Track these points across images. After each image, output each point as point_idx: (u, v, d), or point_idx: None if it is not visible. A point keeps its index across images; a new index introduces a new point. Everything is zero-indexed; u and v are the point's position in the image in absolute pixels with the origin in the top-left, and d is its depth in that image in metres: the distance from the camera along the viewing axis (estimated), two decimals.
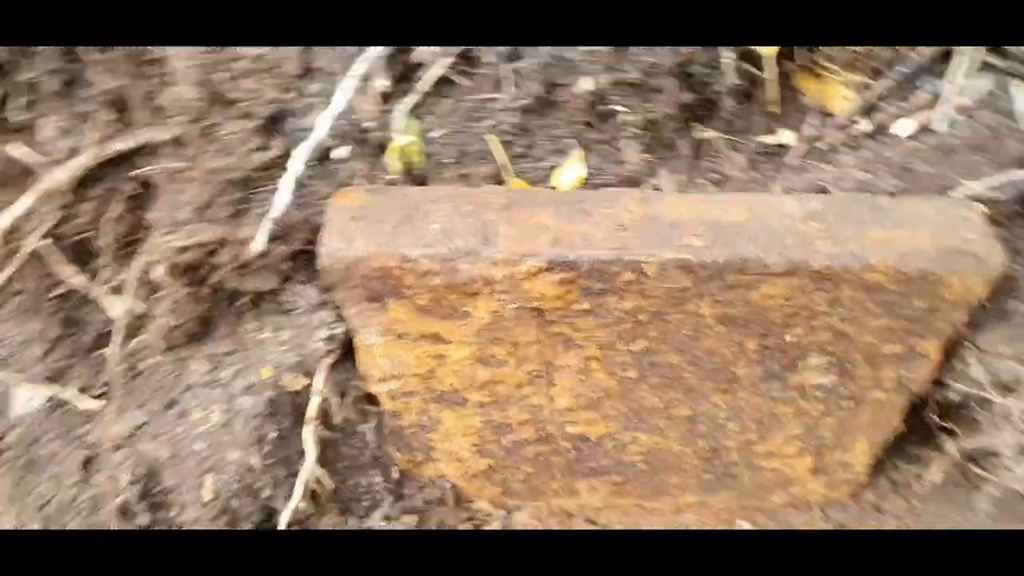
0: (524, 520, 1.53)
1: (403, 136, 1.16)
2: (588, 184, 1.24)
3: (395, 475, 1.48)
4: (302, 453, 1.28)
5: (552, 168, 1.25)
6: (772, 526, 1.52)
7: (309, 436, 1.25)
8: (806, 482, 1.46)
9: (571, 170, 1.24)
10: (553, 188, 1.25)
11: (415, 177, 1.24)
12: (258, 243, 1.14)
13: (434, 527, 1.48)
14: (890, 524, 1.49)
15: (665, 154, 1.28)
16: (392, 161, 1.20)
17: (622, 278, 1.09)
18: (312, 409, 1.27)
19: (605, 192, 1.16)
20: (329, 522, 1.38)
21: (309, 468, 1.24)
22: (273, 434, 1.28)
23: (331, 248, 1.07)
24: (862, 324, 1.15)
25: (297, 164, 1.12)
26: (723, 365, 1.23)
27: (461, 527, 1.50)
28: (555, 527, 1.52)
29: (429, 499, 1.50)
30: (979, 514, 1.42)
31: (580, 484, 1.50)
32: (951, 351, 1.21)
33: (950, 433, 1.38)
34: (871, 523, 1.50)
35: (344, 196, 1.13)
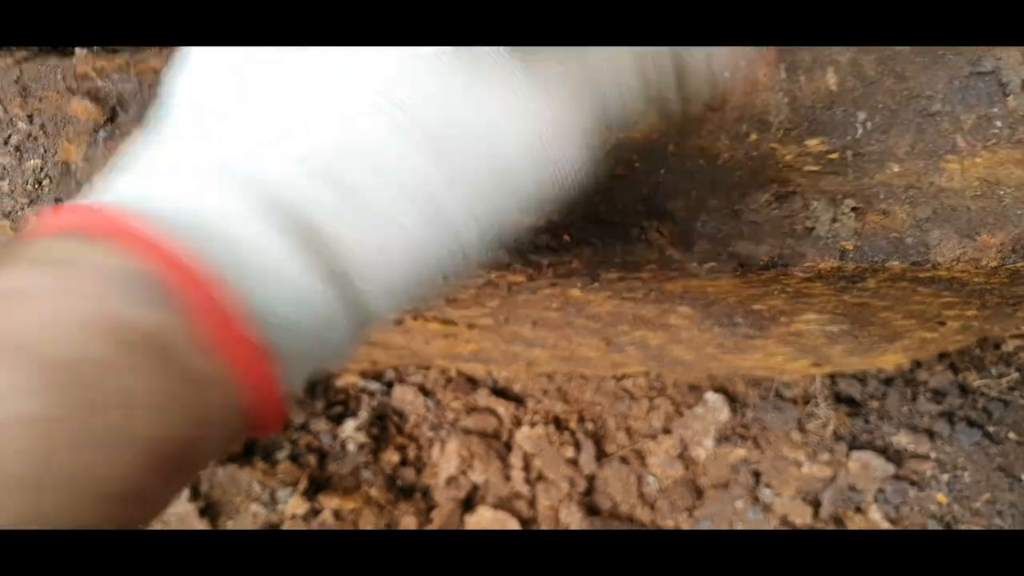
0: (408, 396, 1.12)
1: None
2: None
3: None
4: None
5: None
6: (755, 396, 1.08)
7: None
8: (805, 370, 0.98)
9: None
10: None
11: None
12: None
13: None
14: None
15: None
16: None
17: None
18: None
19: None
20: None
21: None
22: None
23: None
24: (901, 300, 0.57)
25: None
26: (634, 319, 0.68)
27: (319, 420, 1.11)
28: (455, 402, 1.12)
29: None
30: None
31: (474, 365, 1.06)
32: None
33: None
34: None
35: None
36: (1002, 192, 0.44)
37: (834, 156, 0.45)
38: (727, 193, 0.45)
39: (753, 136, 0.46)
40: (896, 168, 0.45)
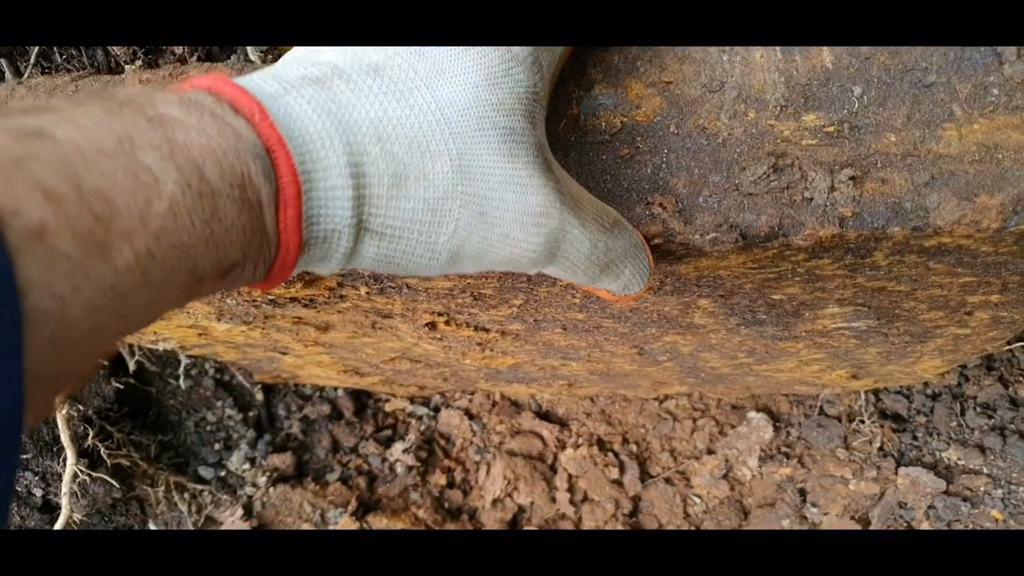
0: (454, 420, 1.14)
1: None
2: None
3: (259, 397, 1.09)
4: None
5: None
6: (798, 414, 1.07)
7: (64, 428, 0.86)
8: (843, 383, 0.97)
9: None
10: None
11: None
12: None
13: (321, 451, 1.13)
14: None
15: None
16: None
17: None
18: None
19: None
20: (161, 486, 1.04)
21: (71, 470, 0.86)
22: None
23: None
24: (918, 281, 0.58)
25: None
26: (659, 318, 0.70)
27: (368, 444, 1.14)
28: (500, 425, 1.13)
29: (314, 416, 1.12)
30: None
31: (517, 387, 1.07)
32: None
33: None
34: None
35: None
36: (1000, 156, 0.45)
37: (831, 129, 0.47)
38: (727, 169, 0.47)
39: (751, 114, 0.48)
40: (893, 138, 0.46)
